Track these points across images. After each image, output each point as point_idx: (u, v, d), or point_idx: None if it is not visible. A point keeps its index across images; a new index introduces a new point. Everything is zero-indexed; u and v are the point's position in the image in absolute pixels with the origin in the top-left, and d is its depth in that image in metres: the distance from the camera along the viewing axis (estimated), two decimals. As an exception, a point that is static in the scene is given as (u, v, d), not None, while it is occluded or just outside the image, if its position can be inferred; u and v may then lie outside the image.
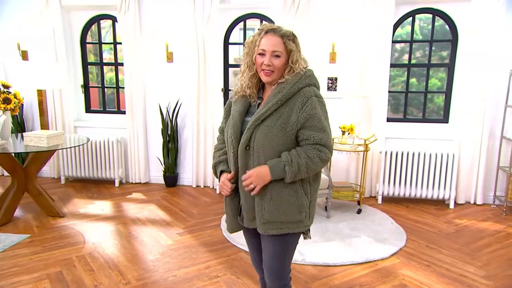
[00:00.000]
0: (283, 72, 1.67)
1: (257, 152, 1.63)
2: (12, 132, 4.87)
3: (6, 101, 3.73)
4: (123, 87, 4.98)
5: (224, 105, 1.87)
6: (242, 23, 4.85)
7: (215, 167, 1.86)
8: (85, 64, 5.25)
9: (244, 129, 1.68)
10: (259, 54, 1.65)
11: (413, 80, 5.15)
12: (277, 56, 1.63)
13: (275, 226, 1.69)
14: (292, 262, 2.99)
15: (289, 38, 1.65)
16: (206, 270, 2.91)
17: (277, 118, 1.61)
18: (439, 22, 4.51)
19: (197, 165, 4.96)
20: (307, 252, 3.16)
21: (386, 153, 4.39)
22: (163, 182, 5.09)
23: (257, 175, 1.62)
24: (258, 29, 1.68)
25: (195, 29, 4.63)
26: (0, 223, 3.63)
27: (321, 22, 4.45)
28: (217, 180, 1.95)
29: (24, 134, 3.76)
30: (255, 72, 1.71)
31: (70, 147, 4.35)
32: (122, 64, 4.98)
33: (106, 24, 5.35)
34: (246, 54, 1.71)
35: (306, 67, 1.72)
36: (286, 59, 1.66)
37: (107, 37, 5.62)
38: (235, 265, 2.99)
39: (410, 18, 4.54)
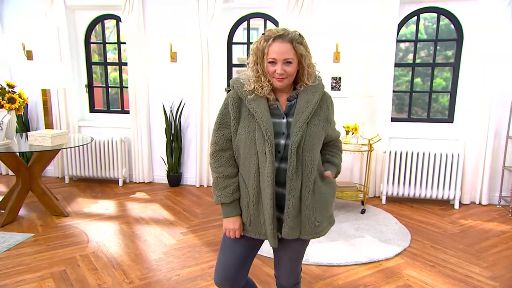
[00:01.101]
0: (295, 76, 1.65)
1: (308, 152, 1.61)
2: (16, 132, 4.91)
3: (11, 100, 3.75)
4: (127, 87, 5.00)
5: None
6: (246, 22, 4.85)
7: (230, 204, 1.69)
8: (89, 64, 5.26)
9: (275, 129, 1.62)
10: (269, 62, 1.59)
11: (417, 80, 5.13)
12: (289, 62, 1.58)
13: (324, 226, 1.70)
14: (296, 262, 2.99)
15: (298, 42, 1.59)
16: (210, 269, 2.91)
17: (318, 117, 1.66)
18: (444, 21, 4.48)
19: (201, 165, 4.96)
20: (311, 252, 3.15)
21: (390, 153, 4.37)
22: (167, 182, 5.09)
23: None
24: (264, 35, 1.60)
25: (198, 29, 4.63)
26: (4, 222, 3.65)
27: (325, 21, 4.43)
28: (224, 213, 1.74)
29: (29, 133, 3.76)
30: (268, 80, 1.64)
31: (74, 147, 4.35)
32: (126, 64, 4.99)
33: (110, 24, 5.37)
34: (253, 62, 1.64)
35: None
36: (297, 63, 1.62)
37: (111, 37, 5.64)
38: (239, 264, 2.98)
39: (415, 18, 4.51)
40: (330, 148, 1.86)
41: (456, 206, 4.32)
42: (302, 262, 2.96)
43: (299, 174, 1.59)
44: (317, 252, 3.16)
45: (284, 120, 1.65)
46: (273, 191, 1.58)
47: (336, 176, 1.84)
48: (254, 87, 1.63)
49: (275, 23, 4.69)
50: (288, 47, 1.57)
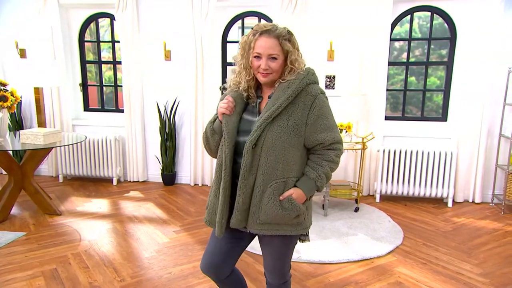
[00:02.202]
0: (281, 73, 1.63)
1: (266, 152, 1.57)
2: (10, 130, 4.90)
3: (3, 98, 3.74)
4: (122, 86, 4.98)
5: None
6: (240, 21, 4.84)
7: (211, 125, 1.71)
8: (83, 62, 5.25)
9: (242, 127, 1.64)
10: (255, 57, 1.59)
11: (412, 79, 5.14)
12: (274, 58, 1.58)
13: (271, 228, 1.64)
14: (288, 259, 2.99)
15: (285, 38, 1.58)
16: (202, 267, 2.91)
17: (288, 117, 1.58)
18: (439, 20, 4.49)
19: (195, 164, 4.96)
20: (303, 250, 3.15)
21: (384, 151, 4.38)
22: (161, 181, 5.08)
23: (296, 199, 1.61)
24: (252, 29, 1.61)
25: (193, 27, 4.62)
26: (-4, 220, 3.64)
27: (319, 20, 4.44)
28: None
29: (21, 131, 3.75)
30: (253, 76, 1.65)
31: (67, 145, 4.34)
32: (120, 63, 4.97)
33: (105, 22, 5.36)
34: (241, 56, 1.65)
35: (305, 65, 1.68)
36: (284, 60, 1.61)
37: (106, 35, 5.62)
38: (231, 262, 2.98)
39: (409, 16, 4.51)
40: (315, 158, 1.67)
41: (450, 204, 4.33)
42: (294, 260, 2.98)
43: (252, 173, 1.59)
44: (309, 249, 3.16)
45: (256, 119, 1.65)
46: (226, 185, 1.62)
47: (318, 190, 1.69)
48: (233, 85, 1.67)
49: (270, 21, 4.69)
50: (274, 43, 1.57)
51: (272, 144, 1.56)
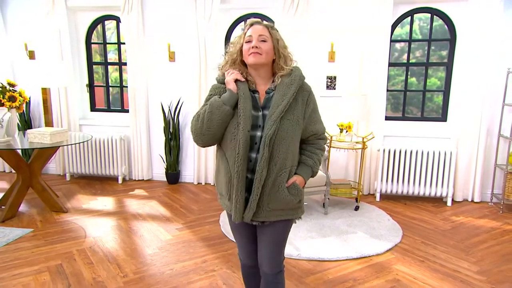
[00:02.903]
0: (271, 60, 1.76)
1: (278, 145, 1.68)
2: (19, 130, 5.01)
3: (12, 99, 3.84)
4: (127, 86, 5.08)
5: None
6: (243, 23, 4.91)
7: (214, 101, 1.75)
8: (90, 64, 5.36)
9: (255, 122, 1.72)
10: (246, 42, 1.73)
11: (413, 80, 5.17)
12: (264, 40, 1.72)
13: (277, 214, 1.77)
14: (288, 256, 3.08)
15: (273, 29, 1.76)
16: (203, 264, 2.98)
17: (293, 111, 1.72)
18: (439, 21, 4.53)
19: (198, 163, 5.04)
20: (303, 247, 3.22)
21: (384, 151, 4.42)
22: (165, 179, 5.17)
23: (299, 184, 1.77)
24: (243, 30, 1.79)
25: (196, 29, 4.71)
26: (5, 217, 3.74)
27: (320, 21, 4.50)
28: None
29: (28, 131, 3.85)
30: (240, 62, 1.80)
31: (73, 144, 4.44)
32: (126, 64, 5.07)
33: (111, 25, 5.46)
34: (231, 48, 1.81)
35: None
36: (272, 48, 1.74)
37: (112, 37, 5.73)
38: (232, 259, 3.05)
39: (409, 18, 4.56)
40: (309, 147, 1.86)
41: (449, 203, 4.37)
42: (294, 257, 3.04)
43: (266, 165, 1.68)
44: (308, 247, 3.22)
45: (261, 113, 1.74)
46: (243, 177, 1.69)
47: (313, 176, 1.87)
48: (220, 78, 1.83)
49: (272, 23, 4.75)
50: (264, 29, 1.74)
51: (283, 136, 1.68)
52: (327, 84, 4.60)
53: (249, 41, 1.72)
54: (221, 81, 1.83)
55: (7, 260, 2.99)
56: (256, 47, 1.69)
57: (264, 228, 1.84)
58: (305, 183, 1.82)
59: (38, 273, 2.81)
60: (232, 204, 1.74)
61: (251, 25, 1.75)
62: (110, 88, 5.49)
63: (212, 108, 1.73)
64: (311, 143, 1.86)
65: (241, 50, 1.77)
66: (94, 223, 3.75)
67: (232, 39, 1.84)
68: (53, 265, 2.93)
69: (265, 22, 1.77)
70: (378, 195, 4.51)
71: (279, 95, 1.71)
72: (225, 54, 1.85)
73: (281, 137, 1.68)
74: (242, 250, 2.02)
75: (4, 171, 5.57)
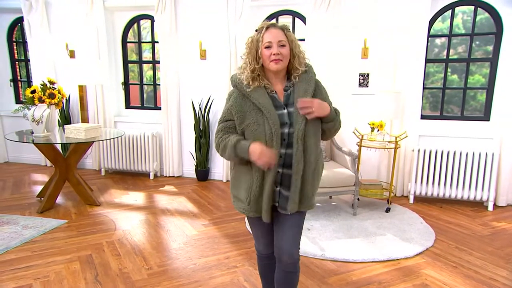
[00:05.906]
0: (288, 62, 1.80)
1: (308, 137, 1.76)
2: (59, 125, 5.27)
3: (51, 96, 4.03)
4: (160, 84, 5.19)
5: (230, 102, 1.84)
6: (274, 20, 4.87)
7: (236, 144, 1.73)
8: (125, 62, 5.53)
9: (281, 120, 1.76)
10: (266, 47, 1.74)
11: (454, 77, 4.90)
12: (283, 45, 1.75)
13: (302, 205, 1.85)
14: (311, 256, 3.04)
15: (288, 30, 1.79)
16: (226, 260, 2.98)
17: None
18: (485, 14, 4.26)
19: (227, 161, 5.04)
20: (328, 247, 3.14)
21: (419, 151, 4.22)
22: (195, 176, 5.23)
23: (320, 104, 1.73)
24: (257, 30, 1.79)
25: (227, 27, 4.72)
26: (43, 209, 3.93)
27: (353, 17, 4.37)
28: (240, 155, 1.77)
29: (65, 127, 4.03)
30: (260, 66, 1.79)
31: (106, 140, 4.60)
32: (159, 62, 5.18)
33: (147, 24, 5.60)
34: (248, 54, 1.80)
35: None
36: (289, 50, 1.78)
37: (148, 36, 5.88)
38: (254, 257, 3.02)
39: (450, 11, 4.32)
40: None
41: (490, 208, 4.10)
42: (318, 257, 2.98)
43: (302, 158, 1.75)
44: (334, 247, 3.14)
45: (285, 111, 1.79)
46: (276, 174, 1.77)
47: (335, 118, 1.85)
48: (249, 79, 1.78)
49: (303, 19, 4.68)
50: (280, 33, 1.76)
51: (311, 129, 1.77)
52: (359, 81, 4.46)
53: (268, 47, 1.73)
54: (236, 84, 1.83)
55: (43, 249, 3.14)
56: (278, 53, 1.72)
57: (287, 218, 1.88)
58: (330, 112, 1.78)
59: (69, 262, 2.93)
60: (263, 201, 1.80)
61: (267, 28, 1.76)
62: (145, 86, 5.63)
63: (229, 156, 1.79)
64: None
65: (257, 55, 1.76)
66: (124, 217, 3.86)
67: (246, 39, 1.83)
68: (84, 255, 3.05)
69: (279, 24, 1.79)
70: (412, 197, 4.32)
71: (302, 91, 1.78)
72: (242, 56, 1.84)
73: (309, 130, 1.76)
74: (260, 241, 2.05)
75: (46, 165, 5.86)
